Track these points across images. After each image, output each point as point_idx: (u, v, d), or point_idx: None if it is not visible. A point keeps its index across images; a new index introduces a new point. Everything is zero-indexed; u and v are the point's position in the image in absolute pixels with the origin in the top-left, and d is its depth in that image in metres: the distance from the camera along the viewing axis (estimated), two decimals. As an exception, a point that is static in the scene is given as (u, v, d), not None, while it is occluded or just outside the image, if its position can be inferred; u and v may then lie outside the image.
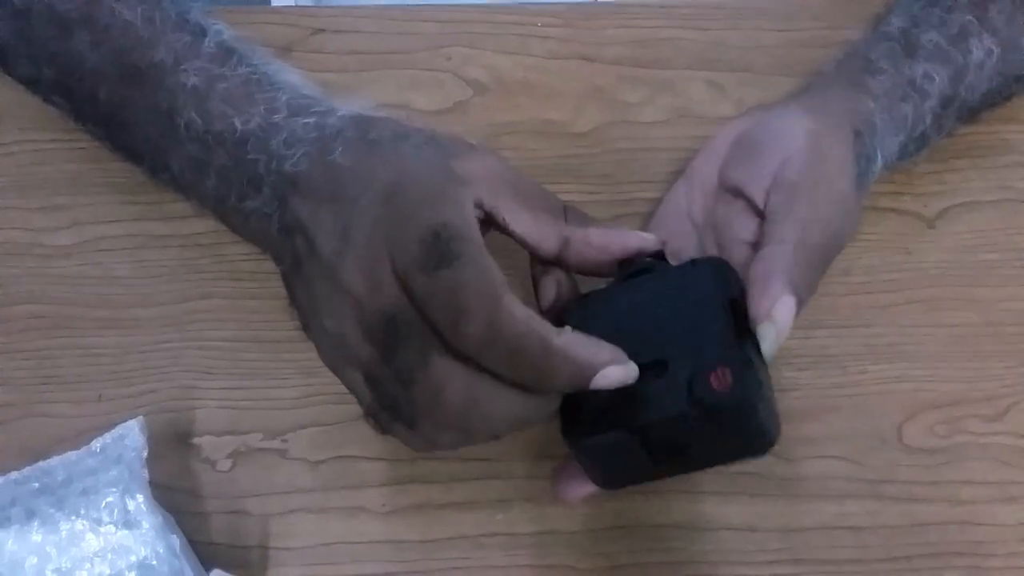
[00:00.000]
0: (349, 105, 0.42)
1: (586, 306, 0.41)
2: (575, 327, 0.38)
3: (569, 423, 0.39)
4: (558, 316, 0.41)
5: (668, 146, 0.55)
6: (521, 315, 0.35)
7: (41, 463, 0.43)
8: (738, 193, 0.45)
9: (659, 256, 0.42)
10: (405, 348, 0.36)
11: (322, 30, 0.57)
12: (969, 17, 0.50)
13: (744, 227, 0.44)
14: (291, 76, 0.44)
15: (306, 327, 0.40)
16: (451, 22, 0.58)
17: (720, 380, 0.36)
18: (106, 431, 0.44)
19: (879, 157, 0.47)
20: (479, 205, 0.39)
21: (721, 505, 0.48)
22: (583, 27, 0.58)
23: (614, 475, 0.41)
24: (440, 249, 0.35)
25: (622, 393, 0.37)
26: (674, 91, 0.57)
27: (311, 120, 0.41)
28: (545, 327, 0.36)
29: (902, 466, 0.49)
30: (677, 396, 0.37)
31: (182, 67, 0.43)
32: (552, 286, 0.42)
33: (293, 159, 0.40)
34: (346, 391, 0.49)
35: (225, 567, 0.42)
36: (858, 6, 0.58)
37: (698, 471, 0.40)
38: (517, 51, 0.57)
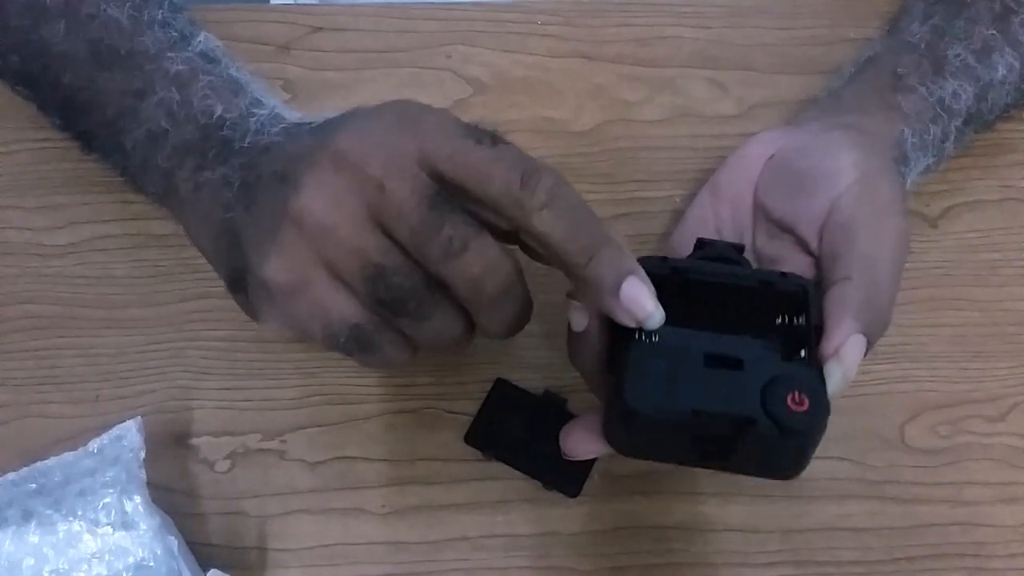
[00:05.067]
0: None
1: (663, 269, 0.40)
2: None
3: (637, 391, 0.37)
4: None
5: (668, 145, 0.55)
6: None
7: (38, 464, 0.43)
8: (785, 227, 0.45)
9: (740, 250, 0.43)
10: (455, 219, 0.35)
11: (321, 28, 0.57)
12: (992, 31, 0.50)
13: (796, 264, 0.44)
14: (275, 100, 0.45)
15: (254, 264, 0.38)
16: (451, 20, 0.58)
17: (796, 402, 0.36)
18: (104, 432, 0.43)
19: (908, 183, 0.47)
20: None
21: (722, 506, 0.48)
22: (583, 25, 0.58)
23: (645, 445, 0.39)
24: (488, 132, 0.36)
25: (693, 373, 0.36)
26: (674, 89, 0.57)
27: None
28: None
29: (904, 467, 0.49)
30: (750, 399, 0.36)
31: (167, 55, 0.44)
32: None
33: (270, 134, 0.41)
34: (346, 391, 0.49)
35: (223, 568, 0.42)
36: (860, 4, 0.58)
37: (713, 470, 0.40)
38: (517, 49, 0.57)
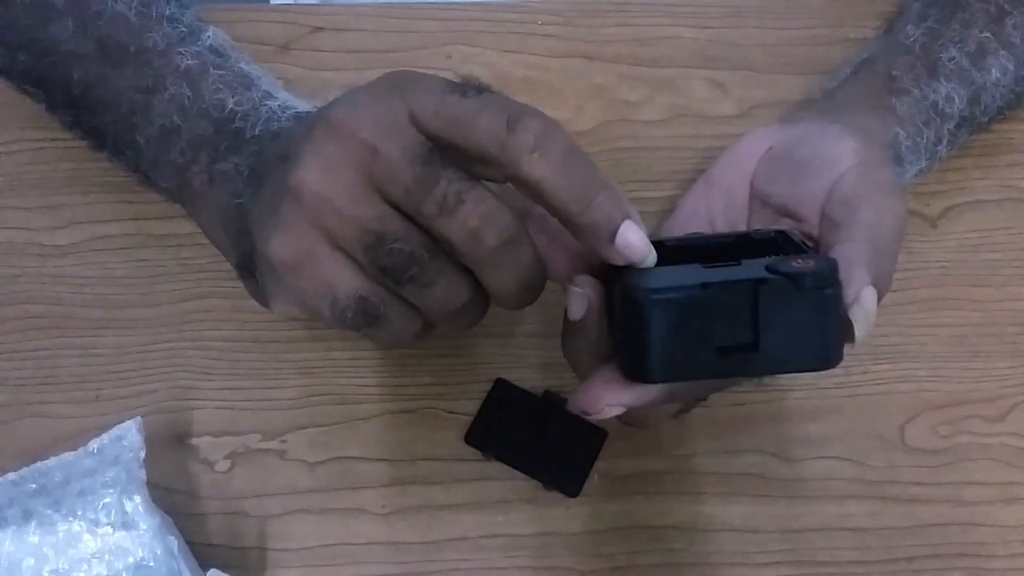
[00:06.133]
0: None
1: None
2: None
3: (642, 290, 0.36)
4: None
5: (668, 145, 0.55)
6: None
7: (38, 464, 0.43)
8: (786, 211, 0.45)
9: None
10: (449, 174, 0.35)
11: (321, 28, 0.57)
12: (987, 34, 0.49)
13: None
14: (286, 93, 0.45)
15: (259, 244, 0.38)
16: (451, 20, 0.57)
17: (801, 263, 0.35)
18: (104, 432, 0.43)
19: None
20: None
21: (722, 506, 0.48)
22: (583, 25, 0.58)
23: (666, 359, 0.37)
24: (472, 83, 0.36)
25: (694, 271, 0.36)
26: (675, 90, 0.57)
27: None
28: None
29: (904, 467, 0.49)
30: (755, 268, 0.36)
31: (177, 50, 0.44)
32: None
33: (280, 121, 0.41)
34: (346, 391, 0.49)
35: (223, 568, 0.42)
36: (860, 4, 0.57)
37: (757, 377, 0.38)
38: (517, 49, 0.57)
